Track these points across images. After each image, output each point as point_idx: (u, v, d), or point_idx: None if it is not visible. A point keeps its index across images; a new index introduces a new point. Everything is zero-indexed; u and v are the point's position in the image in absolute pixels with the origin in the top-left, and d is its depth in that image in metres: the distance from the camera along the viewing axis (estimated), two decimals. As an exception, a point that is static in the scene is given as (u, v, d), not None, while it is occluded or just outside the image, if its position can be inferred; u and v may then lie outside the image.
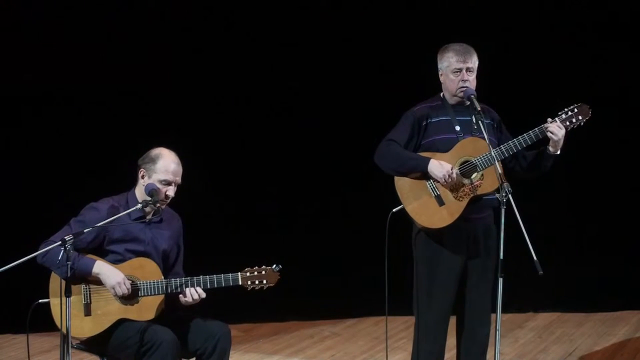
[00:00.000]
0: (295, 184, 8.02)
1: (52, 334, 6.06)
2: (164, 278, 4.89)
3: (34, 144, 7.62)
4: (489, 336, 5.28)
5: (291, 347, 7.28)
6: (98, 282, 4.83)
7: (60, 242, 4.53)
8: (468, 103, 5.14)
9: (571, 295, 8.19)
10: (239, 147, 8.01)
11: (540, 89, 7.78)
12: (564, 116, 5.12)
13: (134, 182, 5.04)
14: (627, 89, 8.01)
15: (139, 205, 4.86)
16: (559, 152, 5.15)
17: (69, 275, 4.50)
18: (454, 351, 5.38)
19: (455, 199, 5.09)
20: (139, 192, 5.00)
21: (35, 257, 4.69)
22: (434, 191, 5.11)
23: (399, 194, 5.16)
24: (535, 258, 4.61)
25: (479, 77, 5.20)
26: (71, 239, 4.53)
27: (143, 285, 4.85)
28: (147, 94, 7.68)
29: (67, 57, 7.54)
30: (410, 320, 5.45)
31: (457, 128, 5.16)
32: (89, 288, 4.84)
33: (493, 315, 5.05)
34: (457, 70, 5.14)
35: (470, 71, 5.15)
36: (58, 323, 4.70)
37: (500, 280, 4.82)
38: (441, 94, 5.27)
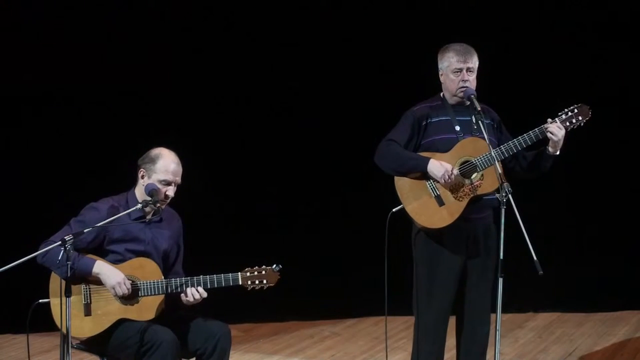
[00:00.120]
0: (295, 184, 8.02)
1: (52, 334, 6.06)
2: (164, 278, 4.89)
3: (34, 144, 7.62)
4: (488, 336, 5.28)
5: (291, 347, 7.28)
6: (98, 282, 4.83)
7: (60, 242, 4.54)
8: (468, 103, 5.14)
9: (571, 295, 8.19)
10: (239, 147, 8.00)
11: (540, 89, 7.78)
12: (564, 116, 5.12)
13: (134, 182, 5.05)
14: (627, 89, 8.01)
15: (139, 205, 4.86)
16: (558, 153, 5.16)
17: (69, 275, 4.50)
18: (454, 351, 5.38)
19: (455, 199, 5.09)
20: (139, 192, 5.00)
21: (35, 257, 4.69)
22: (433, 191, 5.11)
23: (398, 194, 5.16)
24: (535, 258, 4.62)
25: (479, 77, 5.21)
26: (71, 239, 4.53)
27: (143, 285, 4.85)
28: (147, 94, 7.68)
29: (67, 57, 7.54)
30: (410, 320, 5.45)
31: (457, 128, 5.16)
32: (89, 288, 4.84)
33: (493, 315, 5.05)
34: (458, 70, 5.14)
35: (470, 71, 5.15)
36: (58, 323, 4.70)
37: (500, 280, 4.82)
38: (441, 94, 5.27)
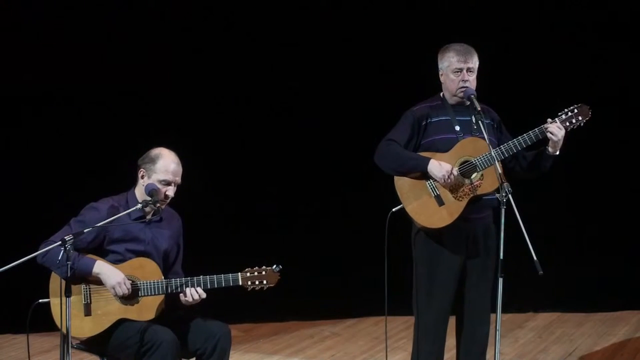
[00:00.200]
0: (295, 184, 8.02)
1: (52, 334, 6.06)
2: (164, 277, 4.89)
3: (34, 144, 7.62)
4: (488, 336, 5.28)
5: (291, 347, 7.28)
6: (98, 282, 4.83)
7: (60, 242, 4.53)
8: (468, 103, 5.14)
9: (571, 295, 8.19)
10: (239, 147, 8.00)
11: (540, 89, 7.78)
12: (563, 117, 5.12)
13: (134, 182, 5.05)
14: (627, 89, 8.01)
15: (139, 205, 4.86)
16: (558, 153, 5.16)
17: (69, 275, 4.50)
18: (454, 351, 5.38)
19: (455, 199, 5.09)
20: (139, 192, 5.00)
21: (35, 257, 4.69)
22: (433, 191, 5.11)
23: (398, 193, 5.16)
24: (535, 258, 4.62)
25: (479, 77, 5.21)
26: (71, 239, 4.53)
27: (143, 285, 4.85)
28: (147, 94, 7.68)
29: (67, 57, 7.54)
30: (410, 320, 5.45)
31: (457, 128, 5.16)
32: (89, 288, 4.84)
33: (493, 315, 5.05)
34: (458, 70, 5.14)
35: (470, 71, 5.15)
36: (58, 323, 4.70)
37: (500, 280, 4.82)
38: (441, 94, 5.27)
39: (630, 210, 8.17)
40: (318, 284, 7.93)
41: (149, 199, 4.86)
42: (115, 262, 4.88)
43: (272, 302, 6.87)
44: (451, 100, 5.21)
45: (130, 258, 4.90)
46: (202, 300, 4.89)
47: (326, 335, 7.63)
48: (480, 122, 5.01)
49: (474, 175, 5.09)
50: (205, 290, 4.88)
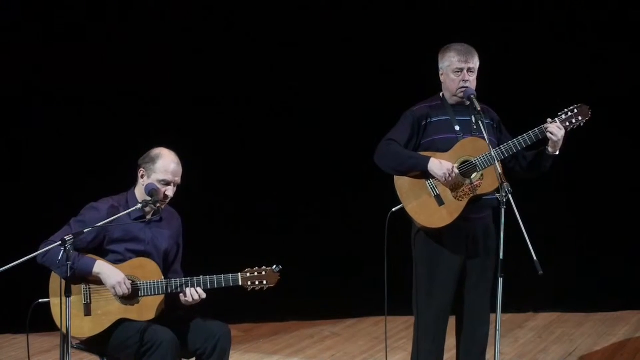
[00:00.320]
0: (295, 184, 8.01)
1: (52, 334, 6.06)
2: (164, 277, 4.89)
3: (34, 144, 7.62)
4: (488, 336, 5.28)
5: (291, 347, 7.28)
6: (98, 282, 4.83)
7: (60, 242, 4.53)
8: (468, 103, 5.14)
9: (571, 295, 8.19)
10: (239, 147, 8.00)
11: (540, 89, 7.78)
12: (563, 117, 5.12)
13: (134, 182, 5.05)
14: (627, 89, 8.00)
15: (139, 205, 4.86)
16: (558, 153, 5.16)
17: (69, 275, 4.50)
18: (454, 351, 5.38)
19: (455, 198, 5.09)
20: (139, 192, 5.00)
21: (35, 257, 4.69)
22: (433, 191, 5.11)
23: (398, 193, 5.16)
24: (535, 258, 4.62)
25: (479, 77, 5.21)
26: (71, 239, 4.53)
27: (143, 285, 4.85)
28: (147, 94, 7.68)
29: (67, 57, 7.53)
30: (410, 320, 5.45)
31: (457, 128, 5.16)
32: (89, 288, 4.84)
33: (493, 315, 5.05)
34: (459, 70, 5.14)
35: (471, 71, 5.15)
36: (58, 323, 4.70)
37: (500, 280, 4.82)
38: (441, 94, 5.27)
39: (630, 210, 8.17)
40: (318, 284, 7.93)
41: (149, 198, 4.86)
42: (115, 262, 4.88)
43: (272, 302, 6.86)
44: (451, 100, 5.21)
45: (130, 258, 4.90)
46: (202, 300, 4.89)
47: (326, 335, 7.63)
48: (480, 122, 5.01)
49: (474, 175, 5.09)
50: (205, 290, 4.88)
